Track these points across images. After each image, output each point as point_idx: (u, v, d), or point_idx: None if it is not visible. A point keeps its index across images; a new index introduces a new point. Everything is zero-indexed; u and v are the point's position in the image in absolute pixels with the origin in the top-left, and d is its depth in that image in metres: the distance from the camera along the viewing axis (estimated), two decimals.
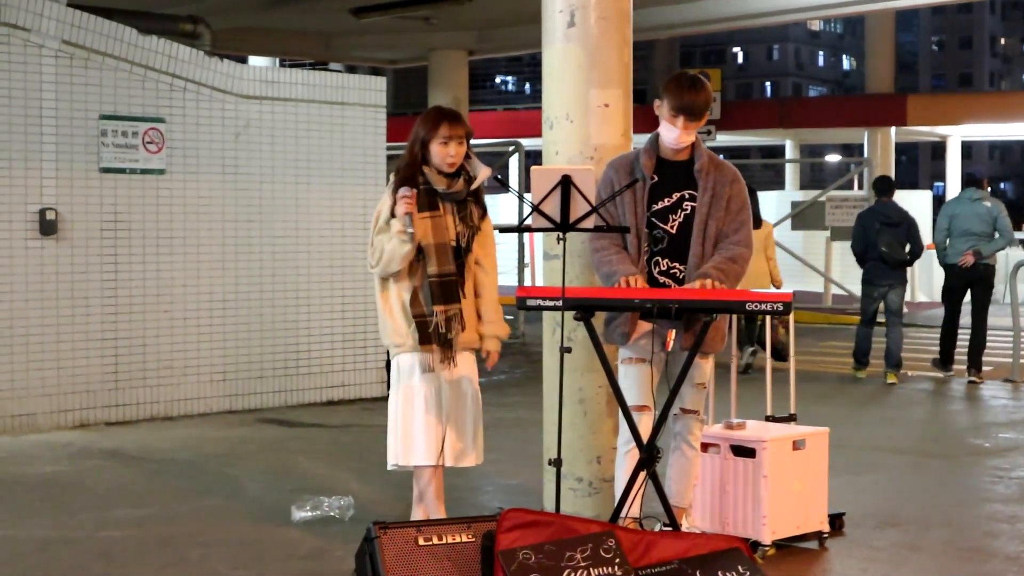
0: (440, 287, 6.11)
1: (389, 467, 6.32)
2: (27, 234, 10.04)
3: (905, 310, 13.94)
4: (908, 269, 13.71)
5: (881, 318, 14.00)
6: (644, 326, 6.09)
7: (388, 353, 6.39)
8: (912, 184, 74.21)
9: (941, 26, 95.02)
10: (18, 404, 9.98)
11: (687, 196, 6.11)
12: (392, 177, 6.26)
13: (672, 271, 6.08)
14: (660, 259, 6.12)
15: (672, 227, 6.11)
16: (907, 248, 13.26)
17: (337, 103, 11.94)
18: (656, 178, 6.13)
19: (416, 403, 6.17)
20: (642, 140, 6.27)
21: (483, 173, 6.24)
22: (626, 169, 6.18)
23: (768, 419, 7.16)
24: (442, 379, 6.17)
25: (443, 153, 6.14)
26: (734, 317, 6.82)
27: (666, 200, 6.13)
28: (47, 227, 10.10)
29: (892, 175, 23.97)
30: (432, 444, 6.14)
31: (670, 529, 5.82)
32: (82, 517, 7.34)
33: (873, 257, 13.34)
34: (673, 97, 6.03)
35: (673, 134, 6.06)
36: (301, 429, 10.53)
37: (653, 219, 6.12)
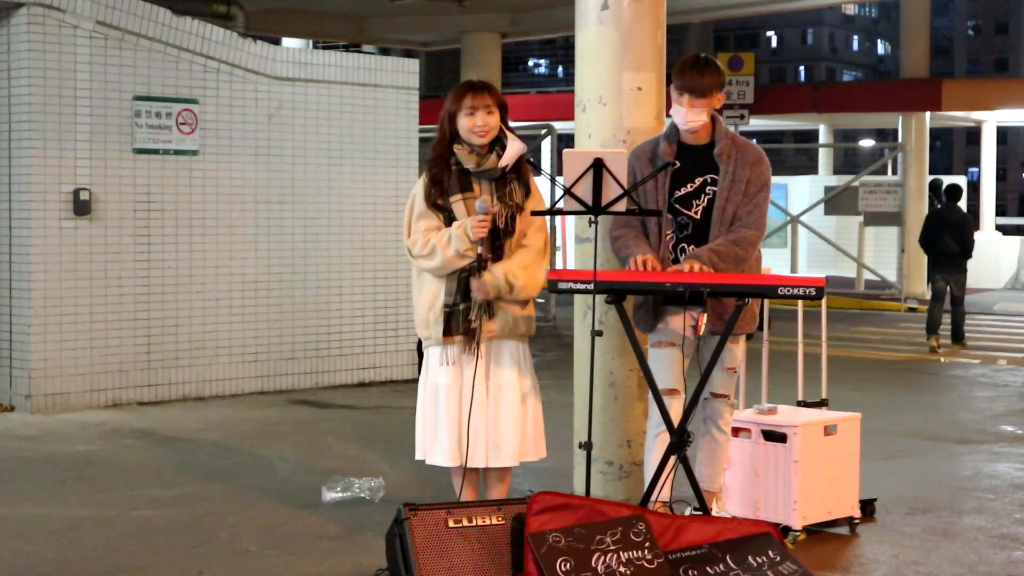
0: (476, 273, 5.88)
1: (416, 457, 6.18)
2: (61, 214, 10.09)
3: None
4: (968, 260, 15.93)
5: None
6: (671, 311, 6.06)
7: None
8: (946, 170, 73.82)
9: (977, 10, 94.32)
10: (51, 383, 10.04)
11: (709, 180, 6.07)
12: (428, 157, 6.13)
13: None
14: (687, 245, 6.09)
15: (696, 212, 6.08)
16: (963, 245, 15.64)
17: (370, 85, 11.95)
18: (678, 164, 6.10)
19: (439, 402, 5.98)
20: None
21: (513, 148, 5.93)
22: (647, 156, 6.15)
23: (800, 404, 7.14)
24: (469, 374, 5.93)
25: (470, 124, 5.88)
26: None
27: (689, 186, 6.09)
28: (81, 207, 10.14)
29: (927, 160, 23.89)
30: (453, 446, 5.94)
31: (700, 513, 5.81)
32: (114, 496, 7.39)
33: (936, 252, 15.82)
34: (677, 76, 6.03)
35: (679, 113, 6.02)
36: (332, 410, 10.56)
37: (677, 205, 6.09)
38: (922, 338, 16.96)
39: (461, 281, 5.90)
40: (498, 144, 5.97)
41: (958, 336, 15.96)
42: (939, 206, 16.51)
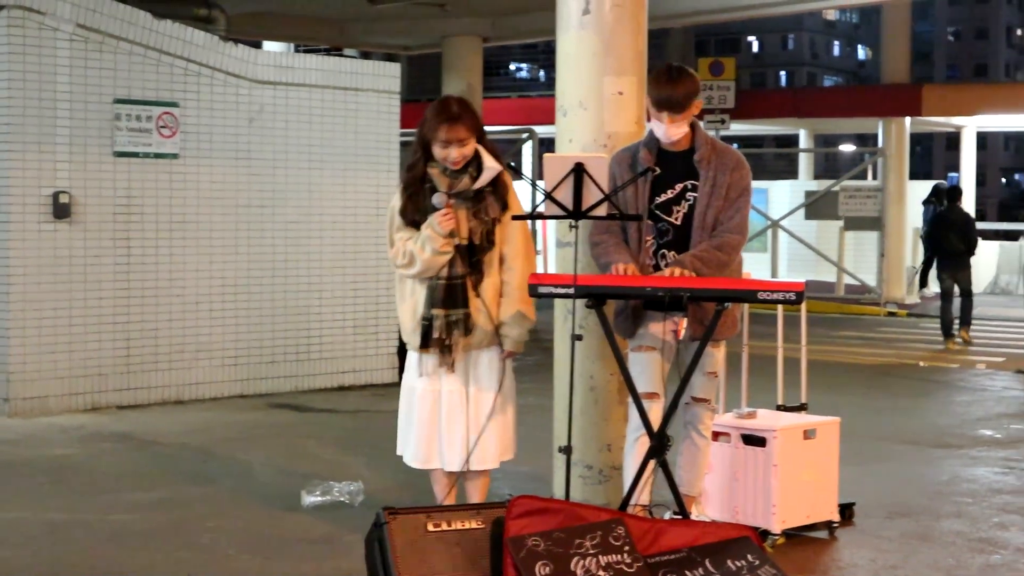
0: (445, 291, 5.95)
1: (398, 452, 6.25)
2: (40, 217, 10.06)
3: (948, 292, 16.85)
4: (971, 257, 16.89)
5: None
6: (650, 316, 6.07)
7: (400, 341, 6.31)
8: (926, 175, 73.88)
9: (957, 16, 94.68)
10: (30, 387, 10.01)
11: (689, 187, 6.08)
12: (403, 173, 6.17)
13: None
14: (667, 251, 6.10)
15: (676, 219, 6.09)
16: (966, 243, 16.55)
17: (351, 89, 11.93)
18: (658, 170, 6.11)
19: (415, 405, 6.08)
20: None
21: (488, 172, 5.98)
22: (627, 162, 6.16)
23: (779, 408, 7.15)
24: (450, 382, 6.02)
25: (442, 156, 5.95)
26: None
27: (669, 192, 6.10)
28: (60, 210, 10.11)
29: (907, 165, 23.98)
30: (422, 448, 6.03)
31: (680, 517, 5.82)
32: (92, 500, 7.36)
33: (942, 251, 16.82)
34: (652, 91, 6.03)
35: (660, 129, 6.04)
36: (312, 414, 10.55)
37: (657, 212, 6.10)
38: (901, 342, 17.06)
39: (436, 292, 5.96)
40: (474, 163, 6.01)
41: (966, 321, 16.89)
42: (942, 207, 17.67)
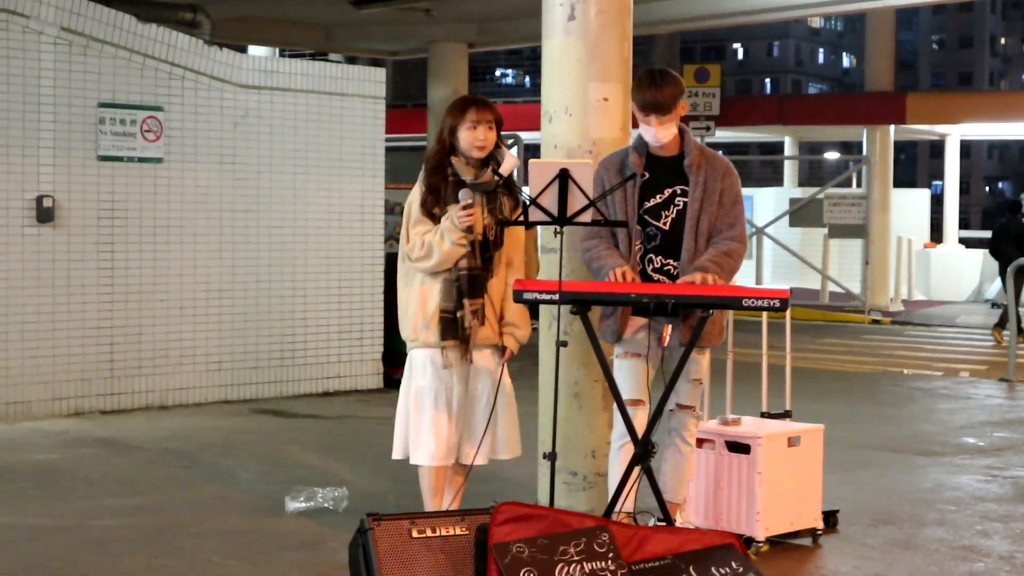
0: (469, 281, 6.04)
1: (393, 457, 6.28)
2: (24, 221, 10.03)
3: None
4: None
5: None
6: (636, 322, 6.08)
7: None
8: (910, 183, 74.11)
9: (941, 25, 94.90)
10: (13, 391, 9.97)
11: (679, 191, 6.09)
12: (423, 167, 6.22)
13: (666, 268, 6.06)
14: (654, 256, 6.10)
15: (665, 223, 6.09)
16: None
17: (336, 94, 11.92)
18: (647, 175, 6.12)
19: (424, 403, 6.13)
20: None
21: (508, 162, 6.10)
22: (616, 167, 6.17)
23: (763, 415, 7.16)
24: (455, 377, 6.12)
25: (471, 137, 6.06)
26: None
27: (658, 197, 6.11)
28: (44, 214, 10.08)
29: (891, 173, 24.04)
30: (438, 445, 6.10)
31: (664, 524, 5.82)
32: (75, 505, 7.34)
33: (999, 258, 18.45)
34: (637, 95, 6.05)
35: (649, 132, 6.05)
36: (296, 420, 10.53)
37: (645, 216, 6.10)
38: (886, 349, 17.11)
39: (462, 283, 6.05)
40: (492, 159, 6.12)
41: (1001, 323, 18.26)
42: (1004, 219, 19.28)
